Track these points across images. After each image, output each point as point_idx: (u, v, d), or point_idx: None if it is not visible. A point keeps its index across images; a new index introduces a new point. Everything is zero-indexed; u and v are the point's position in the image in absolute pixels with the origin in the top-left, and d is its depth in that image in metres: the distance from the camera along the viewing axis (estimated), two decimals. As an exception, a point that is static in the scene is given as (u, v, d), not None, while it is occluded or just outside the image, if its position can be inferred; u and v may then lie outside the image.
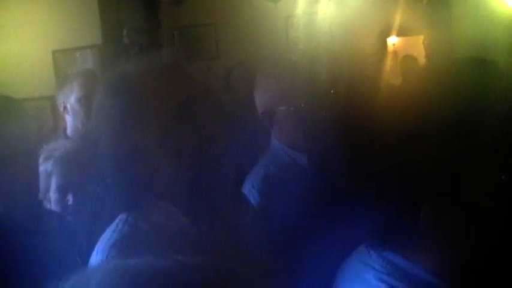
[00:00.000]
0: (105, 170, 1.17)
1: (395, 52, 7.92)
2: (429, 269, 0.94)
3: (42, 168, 1.91)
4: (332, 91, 2.10)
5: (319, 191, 1.63)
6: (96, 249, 1.15)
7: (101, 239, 1.16)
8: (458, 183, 0.90)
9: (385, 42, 7.27)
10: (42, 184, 1.72)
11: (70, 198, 2.08)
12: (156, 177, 1.14)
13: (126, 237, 1.13)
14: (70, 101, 2.60)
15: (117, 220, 1.18)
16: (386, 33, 6.74)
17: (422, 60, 6.08)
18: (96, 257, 1.13)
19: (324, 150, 1.75)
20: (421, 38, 6.49)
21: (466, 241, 0.92)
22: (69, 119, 2.63)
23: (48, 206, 2.03)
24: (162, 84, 1.14)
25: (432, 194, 0.90)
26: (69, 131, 2.62)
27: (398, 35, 7.43)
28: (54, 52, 4.69)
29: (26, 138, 1.40)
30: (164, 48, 1.20)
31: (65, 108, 2.62)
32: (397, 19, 6.05)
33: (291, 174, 1.77)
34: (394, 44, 8.41)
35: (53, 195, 2.08)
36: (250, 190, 1.73)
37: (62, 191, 2.08)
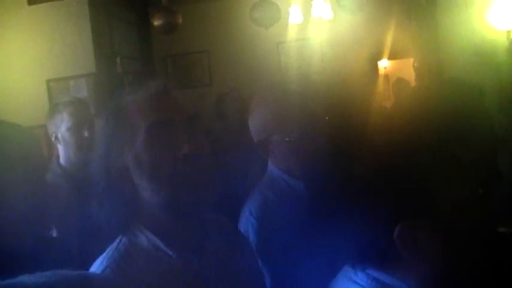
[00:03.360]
0: (95, 193, 1.19)
1: (386, 75, 8.01)
2: (412, 283, 0.95)
3: None
4: (327, 118, 2.12)
5: (316, 217, 1.63)
6: None
7: (93, 265, 1.17)
8: (435, 200, 0.92)
9: (376, 65, 7.38)
10: None
11: (53, 233, 2.04)
12: (140, 204, 1.18)
13: (115, 263, 1.14)
14: (61, 130, 2.57)
15: (108, 248, 1.19)
16: (377, 57, 6.86)
17: (414, 83, 6.13)
18: None
19: (322, 178, 1.75)
20: (411, 60, 6.56)
21: (443, 257, 0.94)
22: (61, 148, 2.60)
23: None
24: (144, 105, 1.19)
25: (406, 214, 0.92)
26: (61, 161, 2.60)
27: (389, 58, 7.52)
28: (48, 81, 4.73)
29: (34, 164, 1.41)
30: (157, 76, 1.26)
31: (56, 138, 2.60)
32: (387, 43, 6.15)
33: (289, 201, 1.76)
34: (385, 68, 8.50)
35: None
36: (248, 218, 1.73)
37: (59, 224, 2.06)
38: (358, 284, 0.99)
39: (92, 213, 1.20)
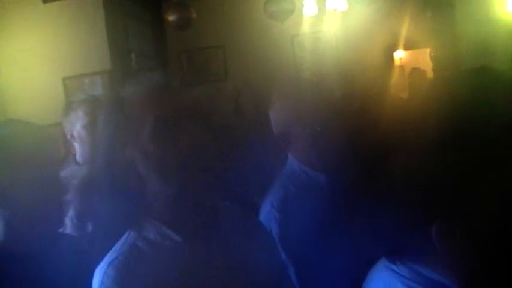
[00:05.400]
0: (103, 189, 1.20)
1: (402, 66, 7.93)
2: (452, 279, 0.92)
3: None
4: (344, 111, 2.10)
5: (338, 209, 1.62)
6: (97, 268, 1.16)
7: (105, 258, 1.18)
8: (470, 196, 0.89)
9: (392, 56, 7.32)
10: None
11: (89, 226, 2.06)
12: (147, 196, 1.18)
13: (123, 255, 1.15)
14: (76, 128, 2.57)
15: (119, 240, 1.21)
16: (392, 48, 6.79)
17: (430, 73, 6.07)
18: (94, 276, 1.15)
19: (342, 170, 1.74)
20: (427, 50, 6.49)
21: (481, 253, 0.91)
22: (77, 146, 2.61)
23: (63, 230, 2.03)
24: (149, 98, 1.19)
25: (443, 211, 0.89)
26: (78, 158, 2.61)
27: (405, 48, 7.44)
28: (64, 79, 4.75)
29: (48, 162, 1.42)
30: (157, 72, 1.27)
31: (71, 135, 2.61)
32: (403, 33, 6.08)
33: (310, 193, 1.76)
34: (401, 58, 8.42)
35: (70, 221, 2.07)
36: (270, 210, 1.73)
37: (82, 219, 2.07)
38: (401, 275, 0.97)
39: (99, 209, 1.21)
